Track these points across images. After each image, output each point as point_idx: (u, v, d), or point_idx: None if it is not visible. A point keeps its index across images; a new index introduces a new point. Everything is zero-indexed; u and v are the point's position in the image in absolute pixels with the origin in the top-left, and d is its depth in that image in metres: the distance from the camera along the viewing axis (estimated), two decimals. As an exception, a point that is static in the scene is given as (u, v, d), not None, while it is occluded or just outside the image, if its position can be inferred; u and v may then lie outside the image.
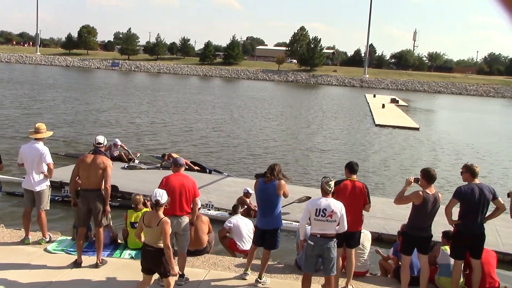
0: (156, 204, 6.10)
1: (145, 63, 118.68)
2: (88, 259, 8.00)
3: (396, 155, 25.08)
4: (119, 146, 18.24)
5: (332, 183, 6.75)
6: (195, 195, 7.40)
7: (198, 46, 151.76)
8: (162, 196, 6.17)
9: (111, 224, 8.52)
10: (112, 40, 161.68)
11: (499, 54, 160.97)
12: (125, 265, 8.00)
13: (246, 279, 7.50)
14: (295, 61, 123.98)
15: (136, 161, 17.41)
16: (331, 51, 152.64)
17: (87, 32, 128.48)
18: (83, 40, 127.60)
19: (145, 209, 8.77)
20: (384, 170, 21.09)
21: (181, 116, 34.87)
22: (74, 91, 50.33)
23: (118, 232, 9.25)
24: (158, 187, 7.26)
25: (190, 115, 36.31)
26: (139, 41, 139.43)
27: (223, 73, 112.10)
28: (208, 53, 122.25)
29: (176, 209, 7.20)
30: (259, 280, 7.43)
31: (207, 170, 17.23)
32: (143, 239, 6.24)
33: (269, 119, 37.00)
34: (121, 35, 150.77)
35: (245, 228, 9.23)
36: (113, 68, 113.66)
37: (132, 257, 8.39)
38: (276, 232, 7.36)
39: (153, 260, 6.16)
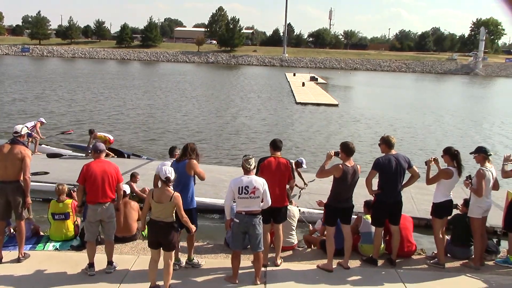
0: (167, 181, 6.33)
1: (58, 47, 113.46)
2: (8, 254, 7.64)
3: (318, 131, 25.79)
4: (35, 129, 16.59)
5: (252, 161, 6.85)
6: (118, 181, 7.23)
7: (114, 29, 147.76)
8: (172, 172, 6.38)
9: (32, 216, 8.17)
10: (20, 24, 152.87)
11: (409, 31, 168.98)
12: (50, 257, 7.73)
13: (176, 269, 7.34)
14: (214, 42, 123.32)
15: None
16: (251, 31, 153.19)
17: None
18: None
19: (68, 200, 8.49)
20: (307, 146, 21.64)
21: (108, 103, 33.77)
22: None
23: (39, 224, 8.92)
24: (79, 175, 7.08)
25: (113, 101, 35.23)
26: (50, 25, 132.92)
27: (141, 56, 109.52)
28: (125, 36, 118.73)
29: (99, 196, 7.02)
30: (189, 262, 7.40)
31: (125, 155, 16.80)
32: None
33: (192, 102, 36.67)
34: (30, 19, 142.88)
35: None
36: (24, 53, 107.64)
37: (56, 249, 8.12)
38: (191, 213, 7.01)
39: (163, 234, 6.37)
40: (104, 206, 7.06)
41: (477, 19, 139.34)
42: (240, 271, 7.03)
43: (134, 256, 7.81)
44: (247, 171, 6.84)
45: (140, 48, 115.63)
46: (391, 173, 7.51)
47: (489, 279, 7.51)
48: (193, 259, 7.44)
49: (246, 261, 7.46)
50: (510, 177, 8.03)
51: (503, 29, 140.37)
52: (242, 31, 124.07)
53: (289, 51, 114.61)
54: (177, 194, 6.42)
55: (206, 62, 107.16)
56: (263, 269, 7.23)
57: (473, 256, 8.09)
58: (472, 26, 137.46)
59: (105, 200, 7.06)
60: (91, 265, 7.10)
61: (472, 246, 8.14)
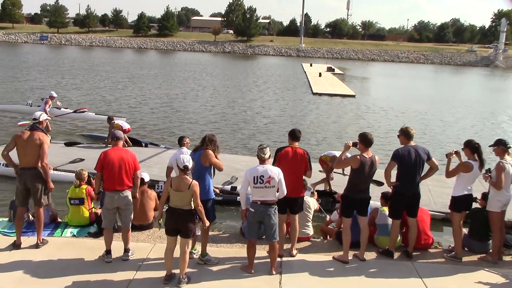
0: (185, 169, 6.39)
1: (76, 36, 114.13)
2: (27, 240, 7.76)
3: (334, 122, 25.64)
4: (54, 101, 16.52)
5: (266, 150, 6.82)
6: (135, 169, 7.27)
7: (131, 17, 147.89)
8: (190, 161, 6.45)
9: (51, 202, 8.27)
10: (39, 12, 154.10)
11: (428, 21, 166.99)
12: (67, 243, 7.83)
13: (192, 258, 7.33)
14: (231, 31, 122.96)
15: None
16: (267, 21, 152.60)
17: (11, 5, 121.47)
18: (7, 13, 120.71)
19: (84, 186, 8.59)
20: (324, 137, 21.53)
21: (126, 92, 33.96)
22: (9, 69, 47.75)
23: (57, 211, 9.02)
24: (97, 162, 7.14)
25: (131, 90, 35.42)
26: (68, 13, 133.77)
27: (158, 45, 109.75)
28: (142, 25, 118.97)
29: (115, 183, 7.08)
30: (202, 258, 7.29)
31: (143, 144, 16.91)
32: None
33: (209, 92, 36.69)
34: (48, 7, 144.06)
35: None
36: (42, 42, 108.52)
37: (74, 235, 8.21)
38: (207, 204, 6.97)
39: (182, 221, 6.43)
40: (121, 193, 7.11)
41: (498, 10, 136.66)
42: (255, 261, 7.06)
43: (150, 244, 7.86)
44: (262, 161, 6.82)
45: (156, 37, 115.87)
46: (410, 164, 7.44)
47: (507, 273, 7.43)
48: (206, 255, 7.32)
49: (261, 251, 7.47)
50: None
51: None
52: (258, 21, 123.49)
53: (306, 41, 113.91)
54: (195, 182, 6.44)
55: (222, 51, 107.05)
56: (278, 259, 7.24)
57: (491, 250, 8.01)
58: (493, 17, 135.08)
59: (122, 187, 7.11)
60: (108, 252, 7.17)
61: (490, 240, 8.05)
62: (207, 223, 6.72)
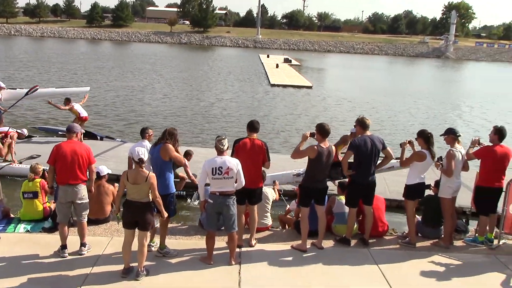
0: (140, 162, 6.33)
1: (26, 26, 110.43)
2: (-22, 237, 7.50)
3: (292, 113, 25.86)
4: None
5: (225, 141, 6.83)
6: (90, 162, 7.11)
7: (84, 7, 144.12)
8: (145, 153, 6.40)
9: (3, 198, 8.01)
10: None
11: (382, 13, 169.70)
12: (21, 239, 7.61)
13: (150, 250, 7.23)
14: (187, 22, 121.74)
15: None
16: (224, 11, 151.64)
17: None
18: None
19: (37, 179, 8.38)
20: (282, 128, 21.68)
21: (81, 84, 33.09)
22: None
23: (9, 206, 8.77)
24: (50, 155, 6.98)
25: (87, 82, 34.57)
26: (17, 3, 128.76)
27: (113, 36, 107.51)
28: (96, 15, 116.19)
29: (68, 177, 6.92)
30: (160, 251, 7.22)
31: (98, 137, 16.59)
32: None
33: (167, 84, 36.24)
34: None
35: None
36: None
37: (28, 231, 7.98)
38: (167, 198, 6.85)
39: (140, 213, 6.38)
40: (75, 187, 6.96)
41: (448, 2, 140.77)
42: (214, 252, 7.06)
43: (107, 238, 7.74)
44: (220, 152, 6.82)
45: (111, 28, 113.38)
46: (367, 154, 7.59)
47: (458, 257, 7.71)
48: (165, 247, 7.25)
49: (220, 242, 7.49)
50: (472, 159, 8.19)
51: (474, 13, 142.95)
52: (215, 12, 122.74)
53: (262, 33, 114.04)
54: (152, 175, 6.40)
55: (178, 42, 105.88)
56: (237, 249, 7.27)
57: (443, 235, 8.28)
58: (444, 9, 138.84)
59: (75, 181, 6.95)
60: (63, 247, 7.02)
61: (442, 226, 8.32)
62: (166, 214, 6.67)
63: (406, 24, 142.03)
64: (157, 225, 7.16)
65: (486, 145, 8.15)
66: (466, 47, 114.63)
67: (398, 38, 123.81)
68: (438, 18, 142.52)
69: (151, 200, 6.42)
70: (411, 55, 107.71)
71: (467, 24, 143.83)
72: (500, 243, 8.38)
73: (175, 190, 7.26)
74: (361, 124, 7.77)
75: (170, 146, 6.97)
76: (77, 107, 15.41)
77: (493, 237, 8.35)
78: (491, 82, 55.55)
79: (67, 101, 15.27)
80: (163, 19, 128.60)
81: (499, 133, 8.01)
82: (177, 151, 7.10)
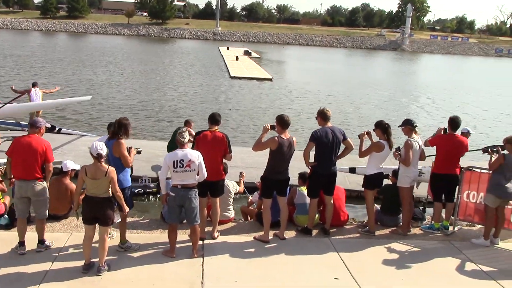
0: (99, 157, 6.22)
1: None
2: None
3: (252, 105, 25.90)
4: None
5: (185, 134, 6.80)
6: (47, 160, 6.85)
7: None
8: (103, 148, 6.27)
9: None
10: None
11: (340, 6, 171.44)
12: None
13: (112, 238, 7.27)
14: (145, 14, 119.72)
15: None
16: (183, 3, 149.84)
17: None
18: None
19: None
20: (242, 120, 21.71)
21: (40, 78, 32.13)
22: None
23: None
24: (9, 147, 6.83)
25: (46, 76, 33.59)
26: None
27: (68, 28, 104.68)
28: (50, 6, 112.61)
29: (23, 172, 6.75)
30: (122, 246, 7.14)
31: (56, 129, 16.06)
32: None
33: (126, 77, 35.62)
34: None
35: None
36: None
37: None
38: (124, 192, 6.73)
39: (100, 209, 6.29)
40: (31, 184, 6.76)
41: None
42: (177, 245, 7.05)
43: (67, 234, 7.59)
44: (181, 145, 6.79)
45: (66, 19, 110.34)
46: (328, 145, 7.69)
47: (415, 244, 7.96)
48: (126, 241, 7.17)
49: (183, 235, 7.47)
50: (427, 146, 8.48)
51: (428, 7, 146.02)
52: (174, 3, 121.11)
53: (222, 25, 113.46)
54: (112, 169, 6.32)
55: (137, 34, 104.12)
56: (200, 242, 7.27)
57: (401, 223, 8.50)
58: (400, 3, 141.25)
59: (30, 177, 6.74)
60: (21, 243, 6.85)
61: (400, 214, 8.54)
62: (127, 209, 6.62)
63: (364, 17, 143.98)
64: (118, 220, 7.08)
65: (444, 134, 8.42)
66: (421, 40, 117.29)
67: (356, 30, 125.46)
68: (394, 12, 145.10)
69: (111, 195, 6.33)
70: (368, 48, 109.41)
71: (422, 18, 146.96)
72: (455, 229, 8.69)
73: (130, 183, 7.20)
74: (322, 115, 7.87)
75: (123, 143, 6.89)
76: (34, 94, 15.10)
77: (448, 224, 8.64)
78: (447, 74, 57.18)
79: (33, 85, 15.32)
80: (120, 11, 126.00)
81: (452, 123, 8.27)
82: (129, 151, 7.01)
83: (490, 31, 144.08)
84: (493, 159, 7.99)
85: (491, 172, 7.97)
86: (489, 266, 7.31)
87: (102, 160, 6.28)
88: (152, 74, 37.88)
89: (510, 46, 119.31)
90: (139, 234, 7.73)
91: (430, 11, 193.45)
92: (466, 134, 10.08)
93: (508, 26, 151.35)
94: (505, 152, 7.82)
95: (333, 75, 46.13)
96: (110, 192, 6.33)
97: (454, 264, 7.34)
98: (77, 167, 8.37)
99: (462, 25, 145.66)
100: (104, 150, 6.29)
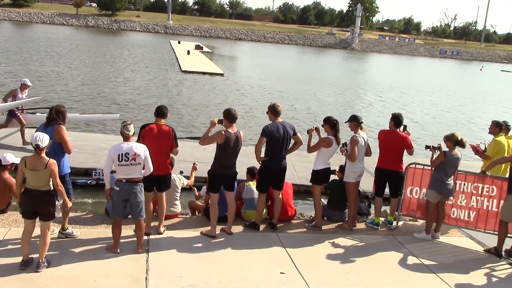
0: (37, 148, 5.99)
1: None
2: None
3: (203, 100, 25.71)
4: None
5: (130, 127, 6.65)
6: None
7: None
8: (43, 139, 6.03)
9: None
10: None
11: (292, 4, 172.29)
12: None
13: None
14: (94, 4, 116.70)
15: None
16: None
17: None
18: None
19: None
20: (192, 115, 21.51)
21: None
22: None
23: None
24: None
25: None
26: None
27: (12, 16, 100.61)
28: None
29: None
30: (62, 232, 7.04)
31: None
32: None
33: (74, 69, 34.52)
34: None
35: None
36: None
37: None
38: (64, 179, 6.71)
39: (40, 202, 6.07)
40: None
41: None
42: (121, 240, 6.87)
43: (4, 229, 7.25)
44: (126, 138, 6.63)
45: (11, 8, 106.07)
46: (279, 140, 7.70)
47: (360, 238, 8.13)
48: (67, 228, 7.06)
49: (128, 230, 7.30)
50: None
51: (377, 7, 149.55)
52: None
53: (173, 18, 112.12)
54: (53, 161, 6.07)
55: (85, 25, 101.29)
56: (145, 237, 7.13)
57: (347, 218, 8.64)
58: (350, 2, 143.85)
59: None
60: (-46, 240, 6.52)
61: (346, 209, 8.68)
62: (69, 204, 6.42)
63: (315, 15, 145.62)
64: (59, 215, 6.84)
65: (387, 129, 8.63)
66: (370, 40, 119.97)
67: (307, 28, 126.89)
68: (344, 11, 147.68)
69: (52, 188, 6.11)
70: (319, 46, 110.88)
71: (371, 18, 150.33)
72: (399, 224, 8.91)
73: (69, 170, 7.08)
74: (273, 111, 7.87)
75: (64, 128, 6.80)
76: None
77: (392, 219, 8.85)
78: (395, 73, 58.76)
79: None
80: (68, 0, 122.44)
81: (394, 119, 8.47)
82: None
83: (435, 33, 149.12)
84: (434, 156, 8.22)
85: (432, 168, 8.21)
86: (430, 260, 7.54)
87: (42, 151, 6.05)
88: (101, 66, 36.95)
89: (454, 48, 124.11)
90: (82, 229, 7.49)
91: (379, 12, 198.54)
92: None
93: (452, 28, 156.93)
94: (446, 149, 8.07)
95: (284, 71, 46.43)
96: (51, 185, 6.10)
97: (397, 258, 7.52)
98: (17, 160, 8.00)
99: (409, 26, 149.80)
100: (43, 142, 6.03)
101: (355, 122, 8.27)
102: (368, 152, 8.46)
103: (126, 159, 6.52)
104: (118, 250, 6.75)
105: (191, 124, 19.66)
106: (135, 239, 6.94)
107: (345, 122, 8.44)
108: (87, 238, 7.18)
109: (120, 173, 6.59)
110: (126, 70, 35.71)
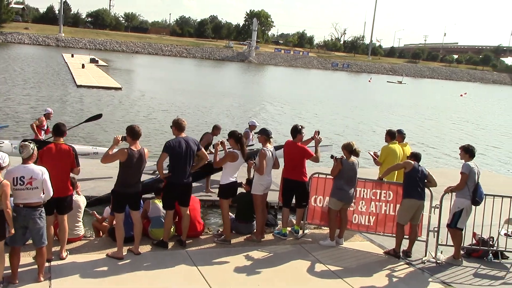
0: None
1: None
2: None
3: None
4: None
5: (30, 147, 6.25)
6: None
7: None
8: (4, 159, 5.90)
9: None
10: None
11: (189, 17, 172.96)
12: None
13: None
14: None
15: None
16: (21, 6, 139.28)
17: None
18: None
19: None
20: (92, 132, 20.67)
21: None
22: None
23: None
24: None
25: None
26: None
27: None
28: None
29: None
30: None
31: None
32: None
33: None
34: None
35: None
36: None
37: None
38: None
39: None
40: None
41: (250, 10, 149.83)
42: (20, 269, 6.40)
43: None
44: (23, 160, 6.21)
45: None
46: (181, 155, 7.61)
47: (269, 250, 8.24)
48: None
49: (27, 257, 6.82)
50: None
51: (272, 21, 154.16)
52: (10, 6, 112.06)
53: (65, 31, 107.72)
54: (5, 182, 5.75)
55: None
56: (47, 264, 6.70)
57: (255, 230, 8.73)
58: (246, 16, 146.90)
59: None
60: None
61: (254, 221, 8.77)
62: (13, 231, 5.97)
63: (212, 28, 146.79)
64: None
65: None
66: (267, 53, 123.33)
67: (205, 42, 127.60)
68: (241, 25, 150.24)
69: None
70: (217, 59, 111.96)
71: (267, 32, 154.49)
72: (305, 232, 9.17)
73: None
74: (177, 125, 7.79)
75: None
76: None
77: (298, 228, 9.07)
78: (291, 85, 60.71)
79: None
80: None
81: (292, 131, 8.77)
82: None
83: (327, 47, 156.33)
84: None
85: (333, 177, 8.56)
86: (336, 266, 7.82)
87: (1, 172, 5.79)
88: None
89: (344, 61, 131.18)
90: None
91: (274, 26, 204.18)
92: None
93: (342, 42, 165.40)
94: (343, 157, 8.46)
95: (184, 84, 46.23)
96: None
97: (305, 266, 7.72)
98: None
99: (302, 40, 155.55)
100: (4, 162, 5.85)
101: (264, 136, 8.41)
102: (276, 165, 8.63)
103: (22, 183, 6.09)
104: (17, 281, 6.26)
105: (91, 141, 18.89)
106: (36, 266, 6.50)
107: (256, 133, 8.57)
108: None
109: (17, 198, 6.15)
110: (16, 87, 33.44)
